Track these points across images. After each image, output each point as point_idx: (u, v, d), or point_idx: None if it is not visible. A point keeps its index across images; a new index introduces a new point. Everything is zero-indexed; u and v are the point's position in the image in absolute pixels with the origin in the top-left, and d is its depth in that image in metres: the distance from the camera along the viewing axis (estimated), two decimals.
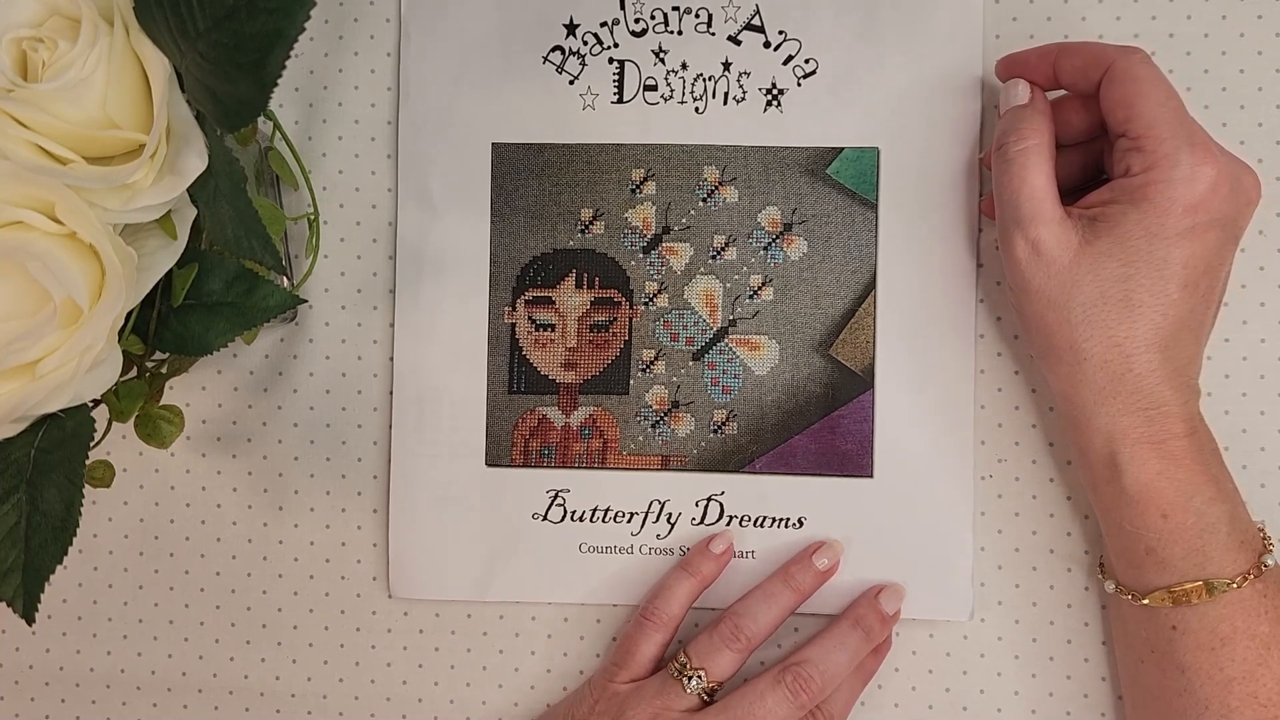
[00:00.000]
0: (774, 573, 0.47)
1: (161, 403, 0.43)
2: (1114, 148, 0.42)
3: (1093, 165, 0.45)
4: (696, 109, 0.48)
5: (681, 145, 0.48)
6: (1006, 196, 0.42)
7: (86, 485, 0.38)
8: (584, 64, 0.49)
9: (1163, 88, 0.40)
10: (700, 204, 0.48)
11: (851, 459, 0.48)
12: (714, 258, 0.48)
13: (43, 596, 0.37)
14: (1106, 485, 0.42)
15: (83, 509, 0.37)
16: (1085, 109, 0.44)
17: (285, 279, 0.47)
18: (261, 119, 0.45)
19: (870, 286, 0.48)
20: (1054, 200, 0.41)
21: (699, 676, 0.44)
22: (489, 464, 0.49)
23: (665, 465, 0.48)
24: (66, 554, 0.37)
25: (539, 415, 0.49)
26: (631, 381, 0.49)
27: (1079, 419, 0.42)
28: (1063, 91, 0.44)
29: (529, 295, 0.49)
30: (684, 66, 0.48)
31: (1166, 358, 0.40)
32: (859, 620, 0.46)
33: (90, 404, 0.39)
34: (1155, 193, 0.39)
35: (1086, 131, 0.44)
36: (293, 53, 0.33)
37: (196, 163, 0.36)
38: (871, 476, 0.48)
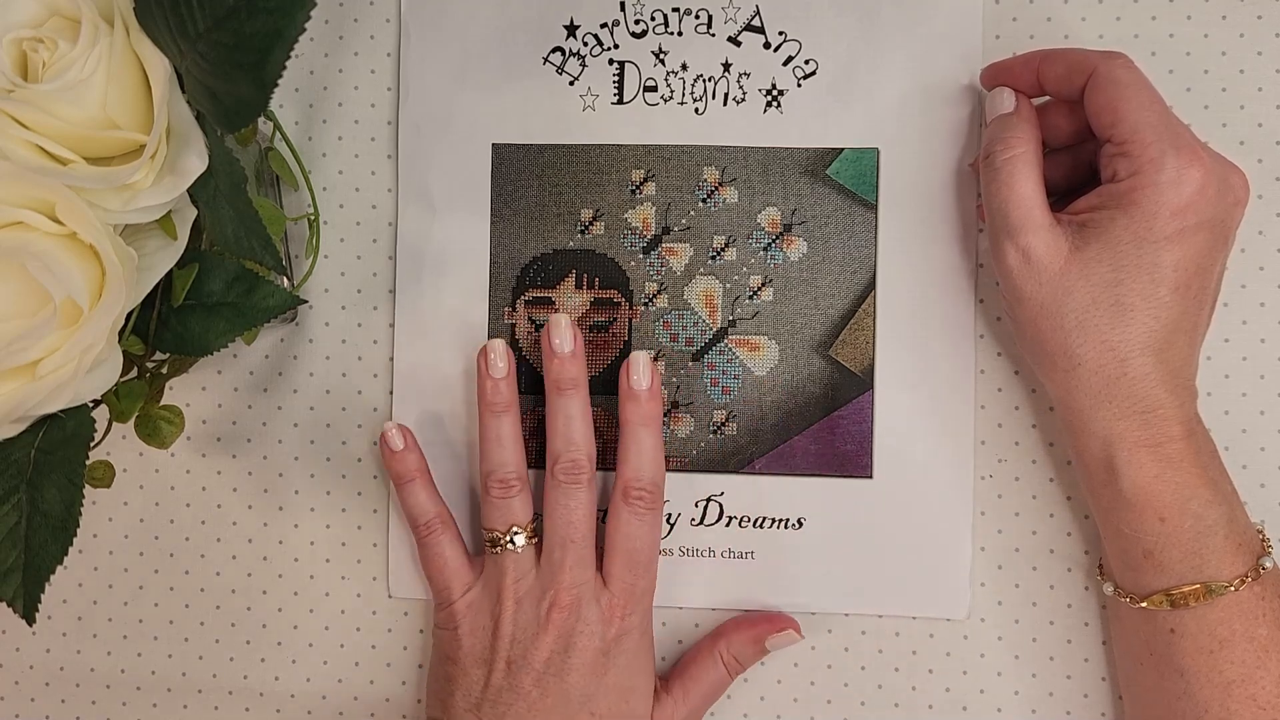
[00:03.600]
0: (478, 399, 0.46)
1: (161, 403, 0.43)
2: (1101, 152, 0.42)
3: (1084, 167, 0.45)
4: (696, 110, 0.48)
5: (681, 146, 0.48)
6: (995, 206, 0.42)
7: (86, 485, 0.38)
8: (584, 65, 0.49)
9: (1145, 92, 0.40)
10: (700, 204, 0.48)
11: (851, 459, 0.48)
12: (714, 258, 0.48)
13: (43, 596, 0.37)
14: (1104, 489, 0.42)
15: (83, 509, 0.37)
16: (1072, 114, 0.44)
17: (285, 279, 0.47)
18: (261, 119, 0.45)
19: (870, 287, 0.48)
20: (1043, 208, 0.41)
21: (515, 532, 0.45)
22: None
23: (665, 466, 0.48)
24: (66, 554, 0.37)
25: (539, 415, 0.49)
26: None
27: (1075, 424, 0.42)
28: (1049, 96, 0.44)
29: (529, 295, 0.49)
30: (684, 67, 0.48)
31: (1161, 360, 0.40)
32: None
33: (90, 404, 0.39)
34: (1142, 197, 0.39)
35: (1075, 135, 0.44)
36: (293, 53, 0.33)
37: (196, 163, 0.36)
38: (871, 477, 0.48)
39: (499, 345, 0.46)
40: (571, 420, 0.45)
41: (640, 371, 0.45)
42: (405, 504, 0.47)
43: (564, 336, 0.45)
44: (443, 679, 0.46)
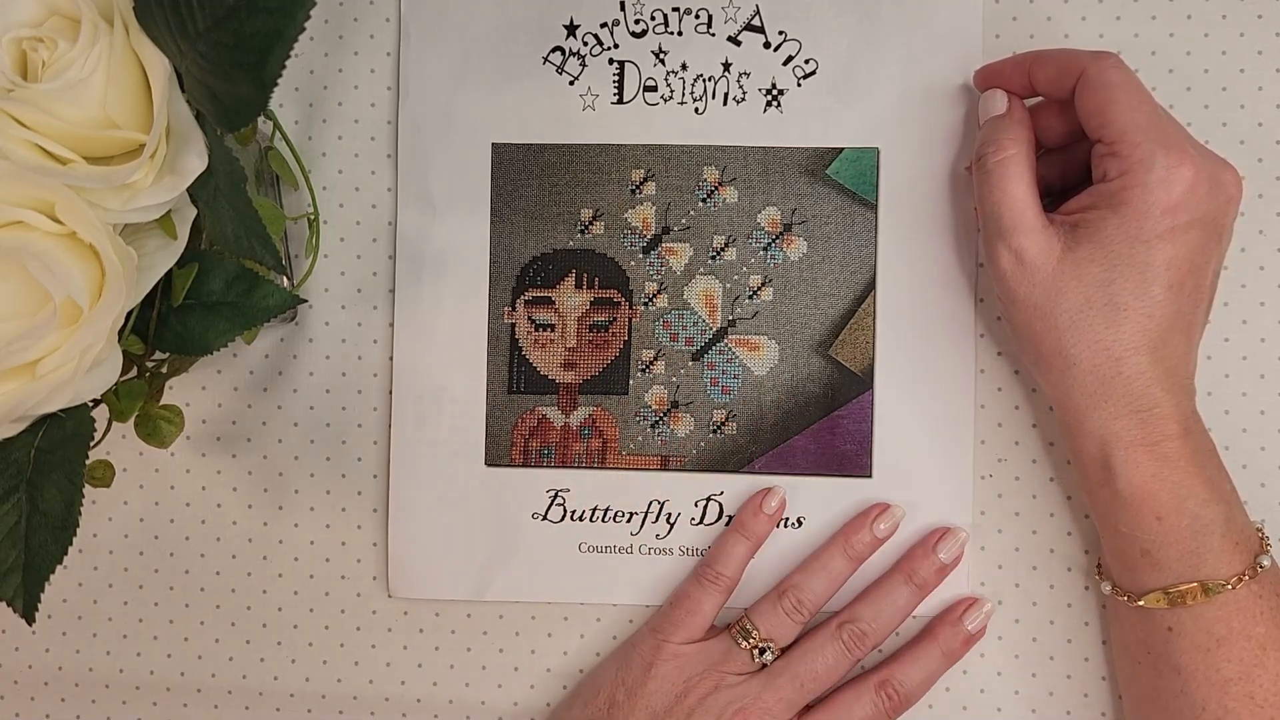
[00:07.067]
0: (831, 540, 0.47)
1: (161, 402, 0.43)
2: (1092, 152, 0.42)
3: (1078, 167, 0.45)
4: (696, 109, 0.48)
5: (681, 146, 0.48)
6: (988, 208, 0.42)
7: (86, 485, 0.38)
8: (584, 64, 0.49)
9: (1135, 92, 0.40)
10: (700, 204, 0.48)
11: (851, 459, 0.48)
12: (714, 258, 0.48)
13: (43, 596, 0.37)
14: (1101, 488, 0.42)
15: (83, 509, 0.37)
16: (1064, 114, 0.44)
17: (285, 279, 0.47)
18: (261, 119, 0.45)
19: (870, 287, 0.48)
20: (1035, 209, 0.41)
21: (769, 648, 0.45)
22: (489, 464, 0.49)
23: (665, 465, 0.48)
24: (66, 554, 0.37)
25: (539, 415, 0.49)
26: (631, 381, 0.49)
27: (1072, 424, 0.42)
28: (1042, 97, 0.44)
29: (529, 295, 0.49)
30: (684, 67, 0.48)
31: (1156, 359, 0.40)
32: (911, 574, 0.46)
33: (90, 404, 0.39)
34: (1132, 197, 0.39)
35: (1068, 135, 0.44)
36: (293, 53, 0.33)
37: (196, 163, 0.36)
38: (870, 477, 0.48)
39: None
40: (887, 608, 0.46)
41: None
42: (723, 549, 0.47)
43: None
44: (605, 701, 0.46)
